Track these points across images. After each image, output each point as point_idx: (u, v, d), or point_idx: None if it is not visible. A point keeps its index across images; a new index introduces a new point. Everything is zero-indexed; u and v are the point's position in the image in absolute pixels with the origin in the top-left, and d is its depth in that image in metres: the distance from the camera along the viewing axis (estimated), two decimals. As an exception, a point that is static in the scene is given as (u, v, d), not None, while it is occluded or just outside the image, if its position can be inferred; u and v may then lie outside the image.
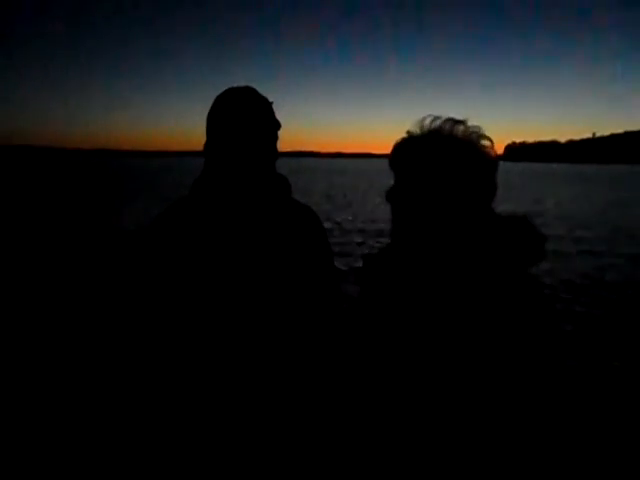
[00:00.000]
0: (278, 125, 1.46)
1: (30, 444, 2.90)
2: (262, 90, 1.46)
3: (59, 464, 2.72)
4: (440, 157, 1.10)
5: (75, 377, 3.82)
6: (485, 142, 1.13)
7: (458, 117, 1.13)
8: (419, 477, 1.14)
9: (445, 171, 1.10)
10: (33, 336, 4.81)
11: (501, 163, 1.17)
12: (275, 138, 1.46)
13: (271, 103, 1.45)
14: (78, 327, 5.05)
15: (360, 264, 1.32)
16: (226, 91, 1.45)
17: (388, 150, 1.19)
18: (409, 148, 1.14)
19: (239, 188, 1.42)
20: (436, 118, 1.13)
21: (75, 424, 3.09)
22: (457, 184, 1.11)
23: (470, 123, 1.13)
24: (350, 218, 17.01)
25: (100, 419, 3.04)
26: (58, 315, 5.53)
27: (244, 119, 1.40)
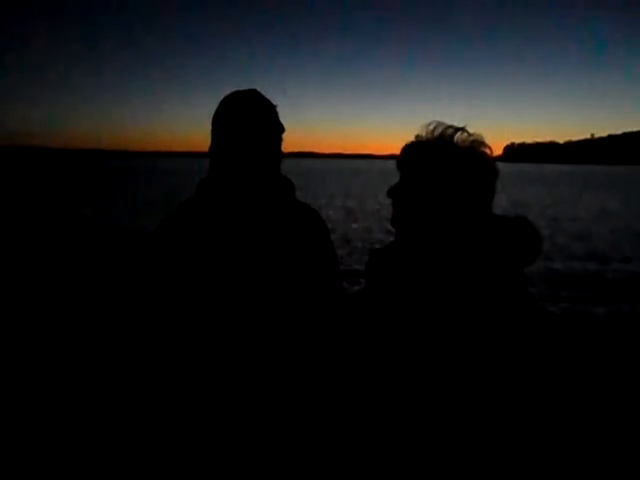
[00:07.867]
0: (282, 128, 1.49)
1: (32, 442, 2.90)
2: (264, 90, 1.42)
3: (61, 463, 2.72)
4: (440, 162, 1.18)
5: (80, 376, 3.83)
6: (484, 149, 1.20)
7: (457, 118, 1.25)
8: (421, 476, 1.17)
9: (443, 175, 1.18)
10: (38, 336, 4.82)
11: (500, 164, 1.23)
12: (279, 141, 1.49)
13: (275, 106, 1.48)
14: (82, 327, 5.07)
15: (364, 265, 1.37)
16: (231, 94, 1.48)
17: (388, 151, 1.26)
18: (414, 152, 1.23)
19: (244, 190, 1.45)
20: (440, 124, 1.21)
21: (79, 423, 3.10)
22: (454, 187, 1.18)
23: (472, 130, 1.20)
24: (354, 224, 17.01)
25: (103, 418, 3.06)
26: (63, 315, 5.54)
27: (249, 122, 1.42)
